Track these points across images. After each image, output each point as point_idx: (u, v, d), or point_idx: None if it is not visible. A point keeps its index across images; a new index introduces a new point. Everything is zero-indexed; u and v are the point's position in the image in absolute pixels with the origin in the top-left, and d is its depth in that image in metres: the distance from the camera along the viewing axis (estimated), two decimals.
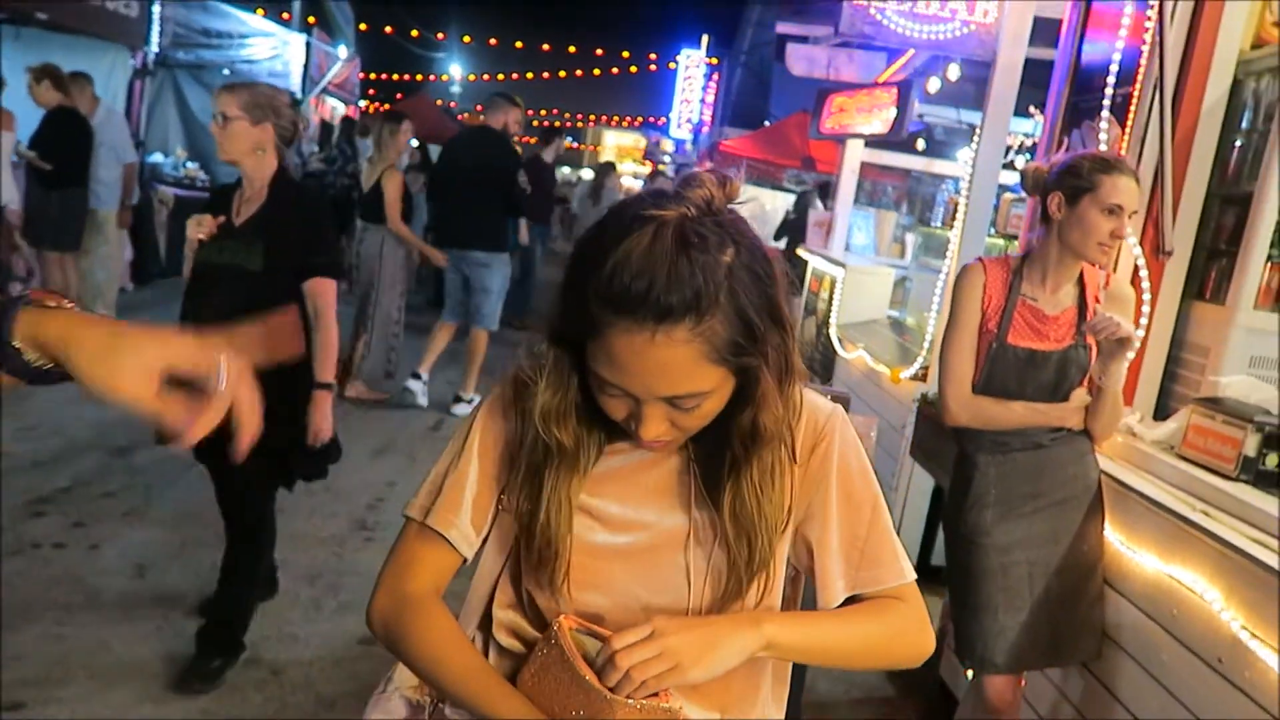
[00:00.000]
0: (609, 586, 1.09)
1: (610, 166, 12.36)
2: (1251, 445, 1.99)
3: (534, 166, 7.87)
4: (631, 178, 22.96)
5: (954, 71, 4.88)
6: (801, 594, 1.21)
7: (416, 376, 5.89)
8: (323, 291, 2.65)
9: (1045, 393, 2.18)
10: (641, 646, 1.00)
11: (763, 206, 11.47)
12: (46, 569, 3.19)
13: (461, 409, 5.80)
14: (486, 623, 1.17)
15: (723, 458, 1.06)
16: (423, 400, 5.89)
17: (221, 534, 3.64)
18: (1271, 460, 2.00)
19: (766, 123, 18.33)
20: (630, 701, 0.98)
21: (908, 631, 1.13)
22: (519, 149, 5.90)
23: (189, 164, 9.34)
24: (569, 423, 1.05)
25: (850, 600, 1.12)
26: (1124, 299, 2.21)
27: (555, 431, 1.04)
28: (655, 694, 1.00)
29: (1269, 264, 2.39)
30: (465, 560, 1.14)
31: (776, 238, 9.17)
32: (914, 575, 1.14)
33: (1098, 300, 2.18)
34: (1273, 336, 2.37)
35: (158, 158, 9.01)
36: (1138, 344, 2.29)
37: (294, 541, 3.68)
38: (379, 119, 5.85)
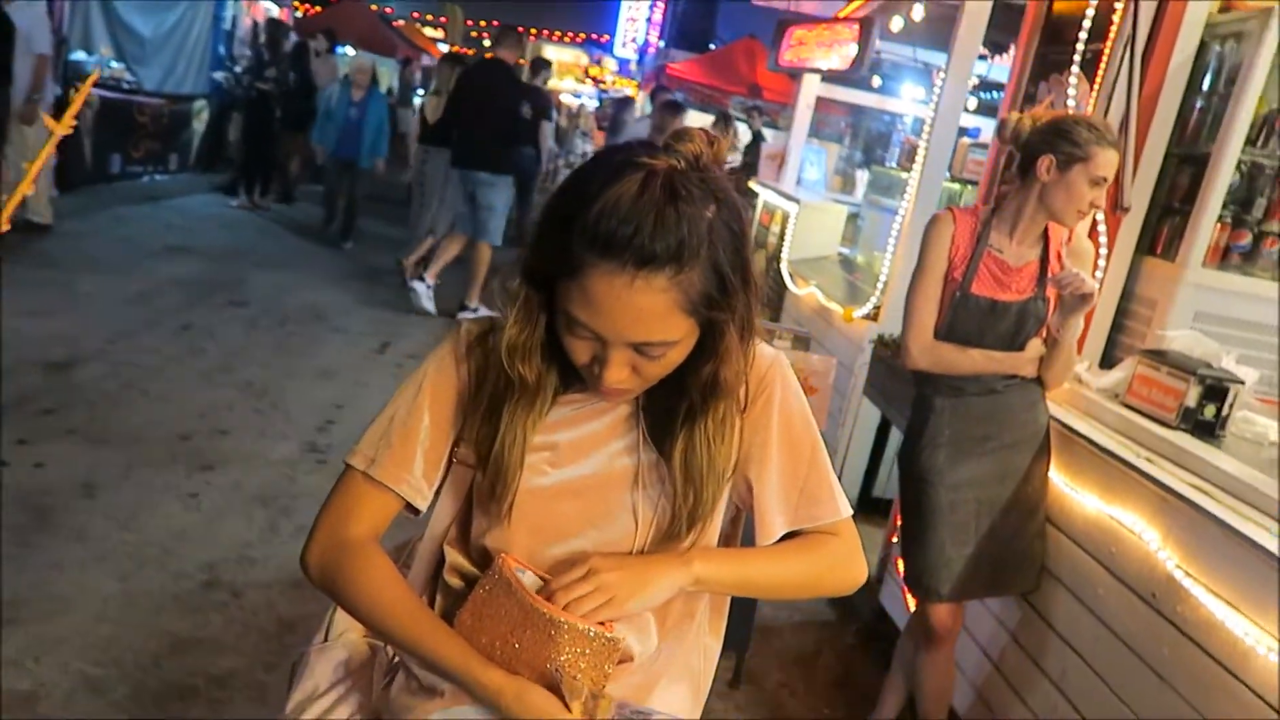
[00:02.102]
0: (561, 525, 1.12)
1: (630, 101, 12.15)
2: (1193, 396, 2.11)
3: (534, 94, 7.76)
4: (571, 95, 22.49)
5: (919, 11, 4.87)
6: (741, 531, 1.26)
7: (422, 280, 6.45)
8: None
9: (1003, 342, 2.26)
10: (578, 583, 1.05)
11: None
12: None
13: (466, 315, 6.11)
14: (437, 572, 1.20)
15: (677, 406, 1.10)
16: (428, 304, 6.43)
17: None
18: (1209, 411, 2.12)
19: (712, 46, 18.08)
20: (580, 625, 1.02)
21: (837, 565, 1.20)
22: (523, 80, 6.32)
23: (114, 63, 8.85)
24: (533, 359, 1.07)
25: (790, 534, 1.18)
26: (1084, 254, 2.29)
27: (520, 366, 1.06)
28: (601, 624, 1.05)
29: (1219, 224, 2.50)
30: (419, 513, 1.15)
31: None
32: (850, 511, 1.21)
33: (1059, 256, 2.25)
34: (1218, 293, 2.49)
35: (80, 55, 8.51)
36: (1097, 300, 2.39)
37: (245, 463, 3.66)
38: (445, 62, 6.49)
